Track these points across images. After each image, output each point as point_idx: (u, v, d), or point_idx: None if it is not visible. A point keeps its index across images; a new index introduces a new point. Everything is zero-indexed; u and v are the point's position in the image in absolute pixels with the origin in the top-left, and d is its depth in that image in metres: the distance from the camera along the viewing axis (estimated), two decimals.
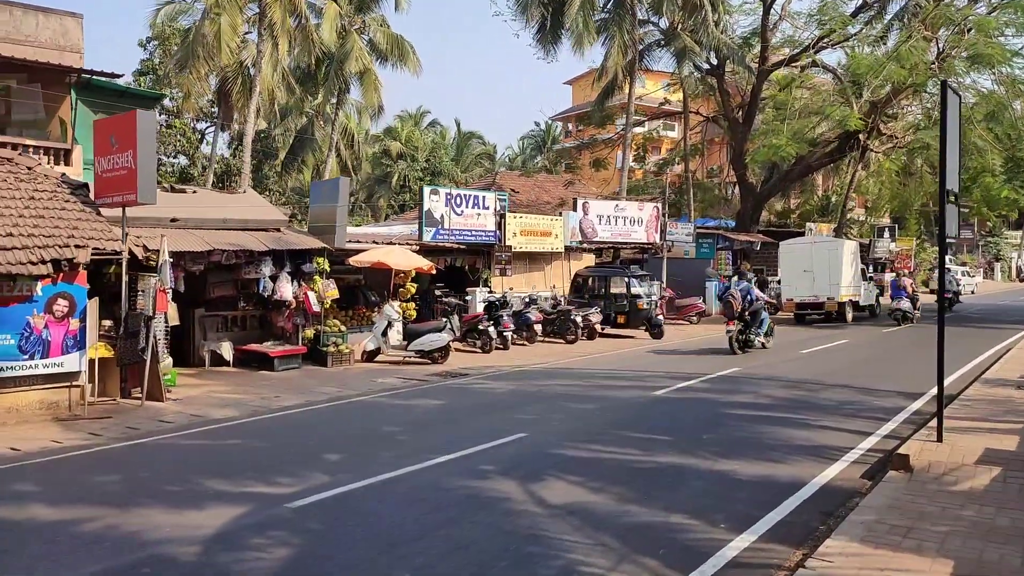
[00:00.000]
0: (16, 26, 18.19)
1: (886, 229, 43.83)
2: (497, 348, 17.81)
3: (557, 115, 56.52)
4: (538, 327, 18.97)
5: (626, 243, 25.80)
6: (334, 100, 36.65)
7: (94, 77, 16.55)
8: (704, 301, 27.99)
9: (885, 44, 29.03)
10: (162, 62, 32.95)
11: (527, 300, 20.02)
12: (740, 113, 33.04)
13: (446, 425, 9.42)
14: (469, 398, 11.58)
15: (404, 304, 17.71)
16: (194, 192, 14.42)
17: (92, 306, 10.76)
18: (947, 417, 8.09)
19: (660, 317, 21.31)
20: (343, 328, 15.45)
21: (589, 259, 25.02)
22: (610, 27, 26.49)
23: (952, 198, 7.63)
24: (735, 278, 29.86)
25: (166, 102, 33.19)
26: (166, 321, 11.97)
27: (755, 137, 31.33)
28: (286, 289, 14.00)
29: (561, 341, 19.50)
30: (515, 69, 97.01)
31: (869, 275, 30.94)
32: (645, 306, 20.68)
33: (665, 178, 30.06)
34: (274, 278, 13.96)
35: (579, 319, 19.37)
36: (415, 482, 6.87)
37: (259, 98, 29.01)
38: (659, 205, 26.52)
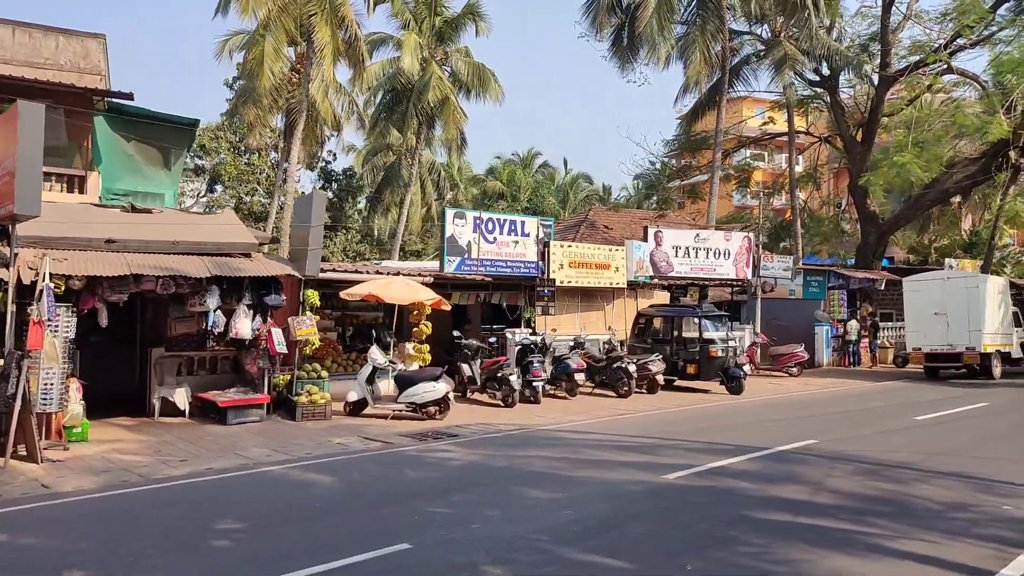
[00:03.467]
0: (36, 48, 17.44)
1: None
2: (527, 401, 14.78)
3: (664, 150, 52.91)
4: (580, 376, 15.73)
5: (710, 279, 22.08)
6: (421, 136, 35.13)
7: (121, 102, 15.32)
8: (807, 349, 23.69)
9: None
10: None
11: (573, 343, 16.87)
12: (859, 132, 28.53)
13: (313, 522, 6.54)
14: (398, 476, 8.57)
15: (419, 347, 15.12)
16: (160, 212, 12.62)
17: None
18: None
19: (743, 368, 17.50)
20: (324, 374, 12.95)
21: (664, 298, 21.49)
22: (690, 30, 23.12)
23: None
24: (851, 322, 25.44)
25: (252, 141, 32.54)
26: (69, 360, 9.89)
27: (876, 159, 26.71)
28: (243, 325, 11.68)
29: (612, 394, 16.16)
30: (629, 105, 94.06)
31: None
32: (719, 354, 16.92)
33: (758, 204, 25.87)
34: (231, 312, 11.70)
35: (632, 368, 15.97)
36: None
37: (320, 127, 27.98)
38: (751, 235, 22.61)
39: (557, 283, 17.58)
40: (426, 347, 15.15)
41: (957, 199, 35.88)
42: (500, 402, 14.48)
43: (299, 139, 23.82)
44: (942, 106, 25.77)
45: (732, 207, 38.92)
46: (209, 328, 11.55)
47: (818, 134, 30.89)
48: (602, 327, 19.12)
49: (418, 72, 31.26)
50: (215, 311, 11.42)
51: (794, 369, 21.12)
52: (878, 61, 26.82)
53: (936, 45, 24.66)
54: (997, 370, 20.03)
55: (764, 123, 30.34)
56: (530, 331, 17.15)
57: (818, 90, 29.30)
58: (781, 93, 26.98)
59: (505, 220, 17.13)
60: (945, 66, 25.46)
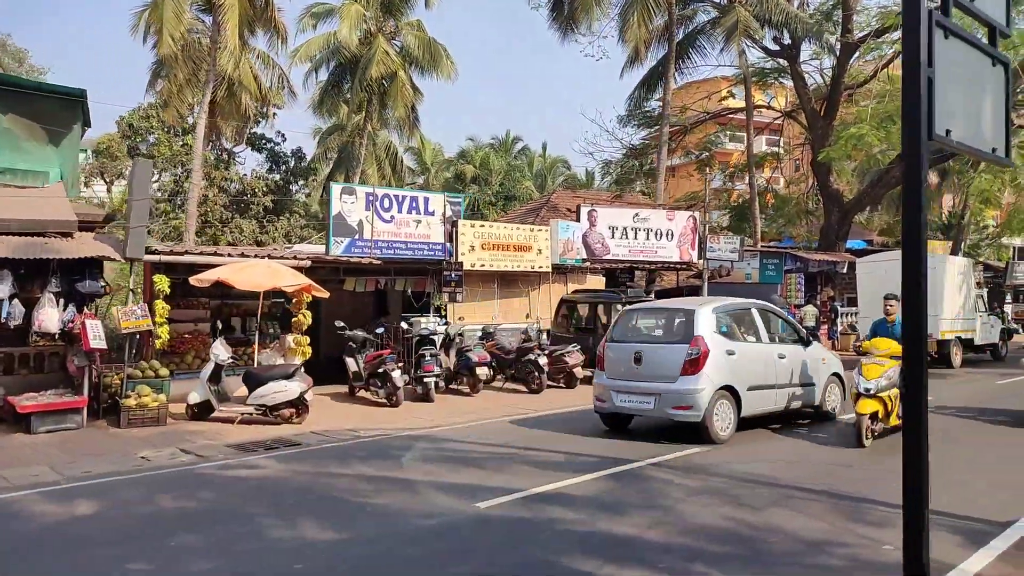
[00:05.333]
0: None
1: None
2: (421, 399, 13.16)
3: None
4: (483, 371, 14.05)
5: (650, 262, 20.40)
6: (371, 114, 33.17)
7: None
8: None
9: None
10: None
11: (481, 334, 15.21)
12: (823, 107, 26.80)
13: None
14: (149, 506, 6.81)
15: (299, 339, 13.44)
16: None
17: None
18: None
19: None
20: (163, 372, 11.25)
21: (599, 283, 19.80)
22: None
23: None
24: (808, 307, 23.82)
25: (168, 118, 30.27)
26: None
27: (838, 133, 25.02)
28: (48, 316, 9.97)
29: (524, 389, 14.52)
30: (612, 93, 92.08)
31: (995, 305, 23.89)
32: None
33: (704, 180, 24.13)
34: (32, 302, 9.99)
35: (543, 360, 14.30)
36: None
37: (243, 102, 26.06)
38: (696, 214, 20.91)
39: (467, 267, 15.85)
40: (306, 339, 13.50)
41: (934, 179, 34.27)
42: (385, 400, 12.84)
43: (205, 112, 21.95)
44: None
45: (701, 188, 37.17)
46: (3, 320, 9.83)
47: (781, 109, 29.14)
48: (533, 315, 17.45)
49: (357, 44, 29.45)
50: (9, 300, 9.70)
51: None
52: (840, 30, 25.08)
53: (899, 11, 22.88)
54: (957, 358, 18.43)
55: (723, 98, 28.57)
56: (437, 320, 15.50)
57: (780, 61, 27.54)
58: (734, 65, 25.18)
59: (405, 196, 15.39)
60: None
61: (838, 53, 25.03)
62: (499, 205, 52.60)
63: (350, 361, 13.74)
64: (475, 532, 5.75)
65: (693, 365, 8.91)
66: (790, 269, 23.78)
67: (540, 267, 17.46)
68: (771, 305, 10.86)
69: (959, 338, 18.60)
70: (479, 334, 15.20)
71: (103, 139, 37.15)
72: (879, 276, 18.74)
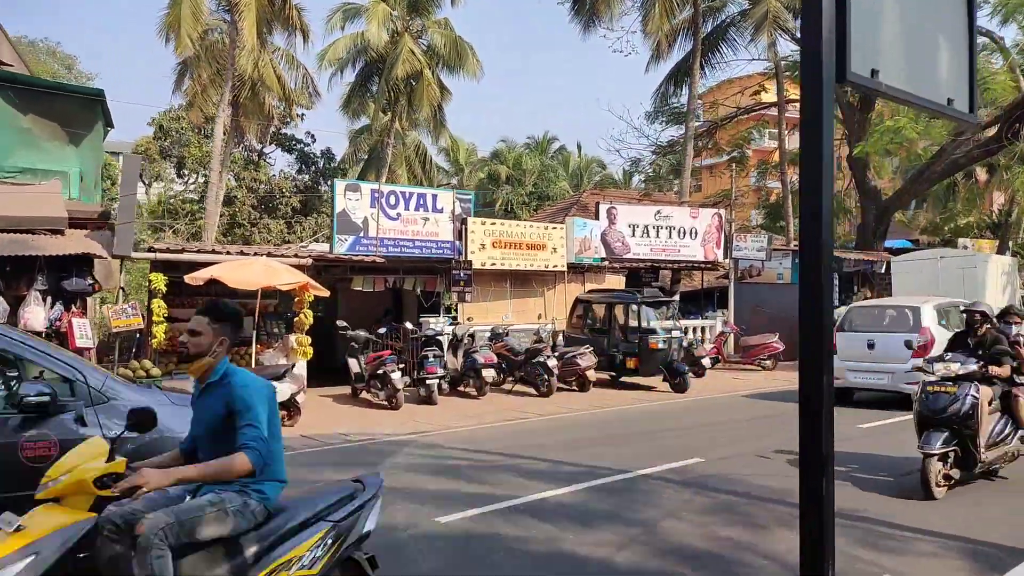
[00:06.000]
0: None
1: None
2: (425, 401, 12.77)
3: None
4: (489, 373, 13.55)
5: (673, 261, 19.69)
6: (398, 114, 33.03)
7: (14, 72, 13.66)
8: (795, 339, 21.22)
9: None
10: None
11: (490, 335, 14.74)
12: (860, 99, 25.68)
13: None
14: None
15: (300, 339, 13.17)
16: None
17: None
18: None
19: (702, 361, 15.44)
20: (155, 372, 11.02)
21: (618, 283, 19.15)
22: None
23: None
24: (840, 309, 22.79)
25: (193, 118, 30.44)
26: None
27: (874, 127, 23.93)
28: (34, 315, 9.80)
29: (533, 392, 14.02)
30: (642, 90, 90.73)
31: None
32: (661, 346, 14.58)
33: (730, 176, 23.29)
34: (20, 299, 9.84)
35: (552, 363, 13.77)
36: None
37: (267, 101, 26.08)
38: (721, 212, 20.14)
39: (477, 265, 15.40)
40: (307, 340, 13.22)
41: (983, 175, 32.70)
42: (385, 403, 12.47)
43: (224, 112, 21.91)
44: None
45: (742, 186, 36.13)
46: None
47: None
48: (546, 316, 16.94)
49: (384, 44, 29.36)
50: None
51: (768, 362, 18.66)
52: None
53: None
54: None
55: (754, 92, 27.62)
56: (445, 321, 15.10)
57: None
58: (765, 58, 24.24)
59: (412, 193, 15.00)
60: None
61: None
62: (532, 205, 52.13)
63: (352, 362, 13.40)
64: (419, 551, 5.27)
65: (922, 349, 10.82)
66: None
67: (555, 266, 16.92)
68: (967, 303, 11.71)
69: None
70: (488, 335, 14.75)
71: (141, 141, 37.72)
72: (915, 275, 17.83)
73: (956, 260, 17.57)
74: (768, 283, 22.48)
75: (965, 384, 6.72)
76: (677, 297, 21.88)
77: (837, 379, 11.10)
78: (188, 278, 11.56)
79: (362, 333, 13.47)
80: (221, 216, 31.20)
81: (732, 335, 19.51)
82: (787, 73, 25.59)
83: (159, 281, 11.77)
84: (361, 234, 14.16)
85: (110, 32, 77.44)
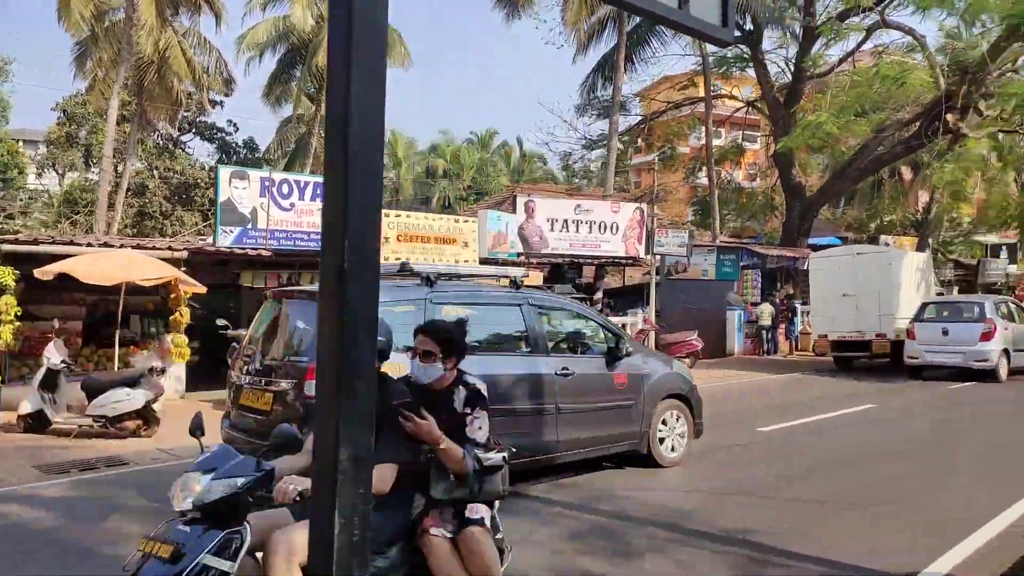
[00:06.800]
0: None
1: (1003, 247, 34.54)
2: None
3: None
4: None
5: (592, 256, 19.16)
6: (321, 102, 31.76)
7: None
8: (719, 336, 20.99)
9: None
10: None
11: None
12: (784, 95, 25.62)
13: None
14: None
15: (178, 338, 12.12)
16: None
17: None
18: None
19: None
20: None
21: (536, 279, 18.49)
22: None
23: None
24: (764, 305, 22.65)
25: (93, 101, 28.40)
26: None
27: (799, 122, 23.85)
28: None
29: None
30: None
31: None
32: None
33: (651, 171, 22.94)
34: None
35: None
36: None
37: (174, 85, 24.62)
38: (643, 206, 19.68)
39: (381, 260, 14.50)
40: (184, 340, 12.18)
41: (908, 173, 33.19)
42: None
43: (117, 93, 20.53)
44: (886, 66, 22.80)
45: (670, 182, 35.91)
46: None
47: (743, 99, 27.95)
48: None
49: (312, 29, 28.19)
50: None
51: (687, 360, 18.23)
52: (802, 14, 23.91)
53: None
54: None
55: (683, 87, 27.34)
56: None
57: (743, 48, 26.33)
58: (693, 53, 23.93)
59: (308, 183, 14.02)
60: (877, 18, 22.55)
61: (800, 39, 23.86)
62: (470, 200, 51.40)
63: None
64: None
65: (987, 335, 14.60)
66: (747, 265, 22.61)
67: (466, 261, 16.15)
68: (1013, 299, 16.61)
69: None
70: None
71: (53, 129, 35.52)
72: (832, 272, 17.66)
73: (872, 257, 17.44)
74: (694, 279, 22.22)
75: None
76: (600, 294, 21.41)
77: (915, 359, 15.35)
78: (38, 272, 10.42)
79: (244, 332, 12.44)
80: (131, 207, 29.56)
81: (652, 333, 19.06)
82: (715, 68, 25.38)
83: (6, 275, 10.59)
84: (249, 225, 13.14)
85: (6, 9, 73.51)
